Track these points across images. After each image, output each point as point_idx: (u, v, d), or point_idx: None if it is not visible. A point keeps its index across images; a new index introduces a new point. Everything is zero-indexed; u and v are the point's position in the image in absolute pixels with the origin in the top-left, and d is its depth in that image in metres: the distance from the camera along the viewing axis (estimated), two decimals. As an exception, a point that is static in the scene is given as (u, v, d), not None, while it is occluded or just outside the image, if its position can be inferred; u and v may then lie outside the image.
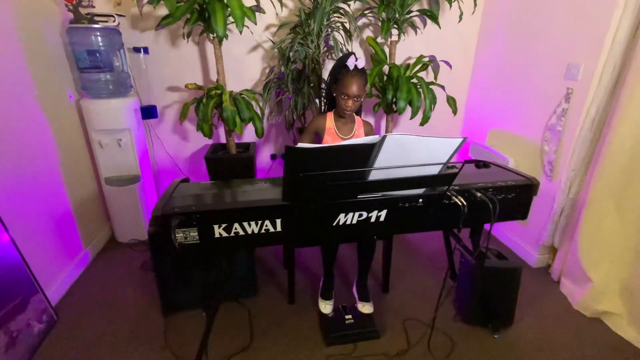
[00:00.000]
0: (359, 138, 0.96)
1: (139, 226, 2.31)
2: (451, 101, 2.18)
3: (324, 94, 2.16)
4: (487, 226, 1.32)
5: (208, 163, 2.18)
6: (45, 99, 1.82)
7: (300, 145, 0.88)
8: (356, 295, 1.77)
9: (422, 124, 2.12)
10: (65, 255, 1.94)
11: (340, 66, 1.53)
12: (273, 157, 2.66)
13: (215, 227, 1.14)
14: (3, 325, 1.41)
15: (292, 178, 0.98)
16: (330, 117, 1.63)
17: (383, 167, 1.01)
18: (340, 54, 2.08)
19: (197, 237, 1.14)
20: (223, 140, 2.46)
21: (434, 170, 1.09)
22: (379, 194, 1.19)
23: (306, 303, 1.83)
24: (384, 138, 0.94)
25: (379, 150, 0.97)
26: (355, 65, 1.50)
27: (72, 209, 2.02)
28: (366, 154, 0.97)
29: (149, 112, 2.30)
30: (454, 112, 2.19)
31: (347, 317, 1.66)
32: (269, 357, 1.52)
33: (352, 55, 1.50)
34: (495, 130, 2.42)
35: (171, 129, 2.47)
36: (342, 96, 1.51)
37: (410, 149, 1.00)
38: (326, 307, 1.72)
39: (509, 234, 2.34)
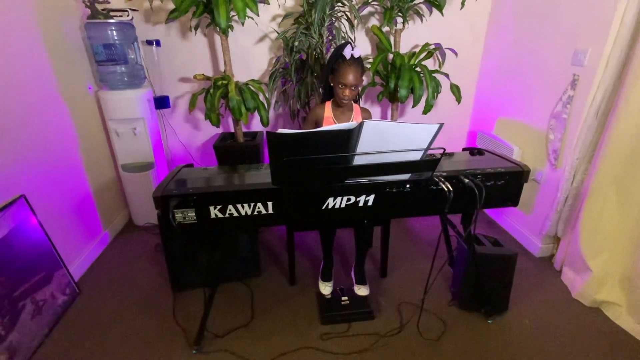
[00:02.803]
0: (342, 124, 1.01)
1: (153, 210, 2.39)
2: (455, 89, 2.17)
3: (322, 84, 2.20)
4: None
5: (217, 151, 2.28)
6: (66, 91, 1.97)
7: (281, 130, 0.95)
8: (353, 279, 1.84)
9: (424, 112, 2.14)
10: (87, 236, 2.11)
11: (337, 56, 1.57)
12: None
13: (211, 208, 1.23)
14: (30, 295, 1.58)
15: (277, 163, 1.05)
16: (328, 106, 1.68)
17: (363, 152, 1.06)
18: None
19: (195, 218, 1.23)
20: (232, 129, 2.56)
21: (416, 156, 1.13)
22: (366, 179, 1.24)
23: (306, 284, 1.92)
24: (361, 124, 0.99)
25: (359, 136, 1.02)
26: (352, 55, 1.53)
27: (92, 193, 2.18)
28: (346, 139, 1.02)
29: (161, 102, 2.42)
30: (458, 100, 2.18)
31: (343, 298, 1.74)
32: (267, 332, 1.63)
33: (348, 45, 1.54)
34: (503, 118, 2.39)
35: (183, 119, 2.58)
36: (340, 86, 1.56)
37: (390, 136, 1.04)
38: (325, 288, 1.80)
39: (513, 223, 2.33)
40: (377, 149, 1.07)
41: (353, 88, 1.53)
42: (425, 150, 1.11)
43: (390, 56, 2.22)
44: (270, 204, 1.25)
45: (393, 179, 1.25)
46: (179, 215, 1.22)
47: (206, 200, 1.21)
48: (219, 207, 1.23)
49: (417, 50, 2.28)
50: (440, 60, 2.26)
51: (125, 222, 2.56)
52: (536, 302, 1.78)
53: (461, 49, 2.39)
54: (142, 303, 1.81)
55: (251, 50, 2.40)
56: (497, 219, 2.51)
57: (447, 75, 2.20)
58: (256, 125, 2.62)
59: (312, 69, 2.15)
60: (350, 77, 1.50)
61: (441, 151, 1.11)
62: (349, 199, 1.27)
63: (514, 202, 1.41)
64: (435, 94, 2.10)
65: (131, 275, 2.02)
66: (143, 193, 2.39)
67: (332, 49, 2.26)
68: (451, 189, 1.25)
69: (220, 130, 2.62)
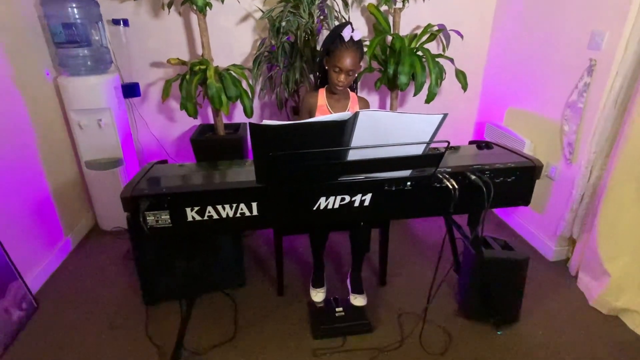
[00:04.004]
0: (334, 114, 1.01)
1: (122, 213, 2.36)
2: (461, 76, 2.19)
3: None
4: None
5: (194, 145, 2.27)
6: (19, 77, 1.92)
7: (265, 122, 0.94)
8: (349, 287, 1.84)
9: (427, 101, 2.15)
10: (46, 243, 2.08)
11: (334, 37, 1.56)
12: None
13: (188, 210, 1.21)
14: (-20, 311, 1.55)
15: (262, 159, 1.04)
16: (322, 93, 1.68)
17: (359, 146, 1.06)
18: (336, 24, 2.11)
19: (169, 221, 1.22)
20: (212, 120, 2.54)
21: (418, 150, 1.14)
22: (362, 176, 1.24)
23: (296, 294, 1.92)
24: (356, 114, 0.99)
25: (354, 128, 1.02)
26: (351, 37, 1.53)
27: (52, 195, 2.15)
28: (339, 131, 1.02)
29: (130, 90, 2.39)
30: (464, 88, 2.20)
31: (337, 309, 1.74)
32: (253, 348, 1.62)
33: (349, 26, 1.53)
34: (514, 109, 2.42)
35: (156, 109, 2.56)
36: (335, 69, 1.55)
37: (388, 127, 1.04)
38: (317, 294, 1.80)
39: (525, 224, 2.36)
40: (374, 142, 1.08)
41: (349, 74, 1.53)
42: (428, 143, 1.11)
43: (389, 38, 2.22)
44: (254, 204, 1.24)
45: (392, 176, 1.25)
46: (150, 219, 1.21)
47: (182, 201, 1.20)
48: (196, 208, 1.22)
49: (418, 32, 2.29)
50: (445, 43, 2.27)
51: (90, 226, 2.53)
52: (550, 310, 1.81)
53: (467, 31, 2.40)
54: (109, 318, 1.79)
55: (232, 31, 2.39)
56: (507, 219, 2.54)
57: (451, 60, 2.21)
58: (238, 116, 2.60)
59: (301, 53, 2.15)
60: (347, 61, 1.50)
61: (445, 144, 1.12)
62: (343, 199, 1.27)
63: (526, 200, 1.42)
64: (439, 81, 2.12)
65: (97, 287, 1.99)
66: (110, 193, 2.35)
67: (324, 30, 2.26)
68: (456, 186, 1.26)
69: (198, 122, 2.60)
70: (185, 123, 2.62)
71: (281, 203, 1.25)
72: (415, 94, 2.11)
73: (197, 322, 1.73)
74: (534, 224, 2.30)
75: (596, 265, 1.82)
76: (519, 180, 1.38)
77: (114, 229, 2.46)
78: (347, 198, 1.27)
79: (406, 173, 1.26)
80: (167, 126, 2.62)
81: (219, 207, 1.23)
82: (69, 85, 2.11)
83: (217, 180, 1.30)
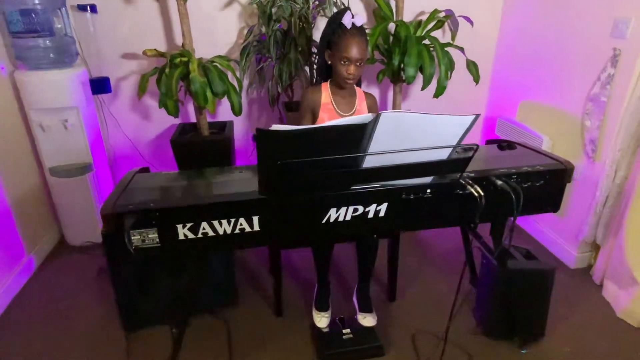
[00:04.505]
0: (353, 117, 0.96)
1: (93, 225, 2.35)
2: (472, 67, 2.18)
3: (315, 62, 2.15)
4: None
5: (175, 147, 2.20)
6: (-30, 72, 1.82)
7: (275, 127, 0.89)
8: (356, 305, 1.81)
9: (436, 95, 2.13)
10: (6, 263, 1.98)
11: (334, 26, 1.52)
12: (255, 138, 2.66)
13: (179, 227, 1.16)
14: None
15: (269, 167, 0.99)
16: (326, 89, 1.63)
17: (379, 152, 1.02)
18: (335, 10, 2.06)
19: (158, 240, 1.16)
20: (193, 118, 2.47)
21: (442, 154, 1.10)
22: (378, 184, 1.20)
23: (296, 315, 1.87)
24: (378, 116, 0.95)
25: (373, 131, 0.98)
26: (353, 23, 1.49)
27: (11, 207, 2.05)
28: (358, 136, 0.98)
29: (100, 86, 2.31)
30: (476, 80, 2.19)
31: (344, 331, 1.70)
32: (251, 379, 1.57)
33: (348, 11, 1.49)
34: (527, 102, 2.42)
35: (129, 106, 2.48)
36: (342, 61, 1.51)
37: (412, 130, 1.01)
38: (322, 319, 1.76)
39: (543, 229, 2.36)
40: (395, 146, 1.04)
41: (359, 64, 1.49)
42: (454, 147, 1.08)
43: (393, 26, 2.19)
44: (255, 218, 1.19)
45: (411, 183, 1.22)
46: (136, 238, 1.15)
47: (172, 217, 1.14)
48: (189, 225, 1.16)
49: (422, 18, 2.27)
50: (453, 30, 2.25)
51: (56, 241, 2.44)
52: (575, 324, 1.81)
53: (473, 17, 2.38)
54: (83, 348, 1.71)
55: (215, 17, 2.33)
56: (522, 222, 2.54)
57: (462, 49, 2.19)
58: (223, 114, 2.54)
59: (296, 42, 2.10)
60: (354, 50, 1.46)
61: (474, 147, 1.09)
62: (355, 209, 1.23)
63: (555, 207, 1.41)
64: (449, 73, 2.10)
65: (67, 312, 1.91)
66: (79, 204, 2.28)
67: (319, 17, 2.22)
68: (482, 193, 1.23)
69: (176, 121, 2.51)
70: (163, 122, 2.55)
71: (286, 217, 1.20)
72: (423, 88, 2.08)
73: (184, 349, 1.66)
74: (552, 229, 2.30)
75: (624, 273, 1.83)
76: (548, 185, 1.36)
77: (83, 243, 2.38)
78: (361, 209, 1.23)
79: (427, 179, 1.23)
80: (142, 126, 2.54)
81: (215, 223, 1.17)
82: (28, 81, 2.03)
83: (211, 192, 1.24)
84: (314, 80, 2.20)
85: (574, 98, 2.06)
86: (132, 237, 1.14)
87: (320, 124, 1.58)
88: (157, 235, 1.15)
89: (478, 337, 1.74)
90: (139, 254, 1.15)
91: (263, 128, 0.89)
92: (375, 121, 0.96)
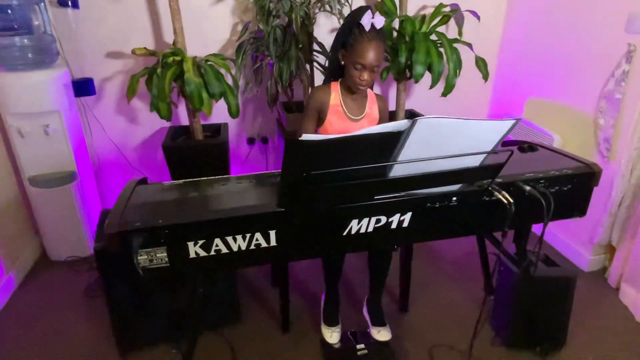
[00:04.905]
0: (380, 125, 0.93)
1: (78, 238, 2.28)
2: (481, 63, 2.17)
3: (325, 61, 2.11)
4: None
5: (167, 153, 2.14)
6: (-59, 75, 1.73)
7: (305, 137, 0.85)
8: (368, 319, 1.78)
9: (444, 94, 2.12)
10: (-17, 282, 1.89)
11: (351, 26, 1.48)
12: (251, 141, 2.61)
13: (190, 244, 1.11)
14: None
15: (295, 180, 0.95)
16: (335, 89, 1.59)
17: (412, 159, 0.99)
18: (337, 6, 2.03)
19: (167, 259, 1.11)
20: (184, 121, 2.41)
21: (475, 161, 1.08)
22: (403, 193, 1.17)
23: (304, 330, 1.84)
24: (414, 122, 0.92)
25: (407, 138, 0.95)
26: (373, 25, 1.45)
27: (-12, 221, 1.96)
28: (391, 144, 0.94)
29: (83, 88, 2.26)
30: (485, 77, 2.18)
31: (359, 346, 1.67)
32: (262, 403, 1.53)
33: (368, 11, 1.44)
34: (535, 99, 2.43)
35: (114, 110, 2.42)
36: (356, 67, 1.46)
37: (447, 136, 0.98)
38: (332, 335, 1.73)
39: (554, 231, 2.38)
40: (426, 153, 1.01)
41: (374, 70, 1.45)
42: (489, 153, 1.06)
43: (397, 21, 2.17)
44: (272, 233, 1.15)
45: (437, 191, 1.19)
46: (143, 257, 1.09)
47: (183, 234, 1.09)
48: (201, 242, 1.11)
49: (426, 13, 2.25)
50: (460, 25, 2.24)
51: (38, 257, 2.36)
52: (595, 330, 1.82)
53: (477, 10, 2.38)
54: (75, 374, 1.65)
55: (208, 13, 2.29)
56: (534, 226, 2.54)
57: (470, 45, 2.18)
58: (217, 115, 2.47)
59: (297, 39, 2.06)
60: (370, 56, 1.42)
61: (508, 153, 1.07)
62: (378, 220, 1.20)
63: (582, 211, 1.42)
64: (458, 71, 2.09)
65: (53, 335, 1.84)
66: (62, 215, 2.22)
67: (320, 12, 2.18)
68: (512, 200, 1.21)
69: (167, 124, 2.44)
70: (151, 126, 2.50)
71: (306, 230, 1.17)
72: (431, 86, 2.07)
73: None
74: (564, 231, 2.31)
75: (643, 276, 1.85)
76: (575, 189, 1.36)
77: (67, 258, 2.29)
78: (384, 219, 1.21)
79: (454, 187, 1.20)
80: (129, 130, 2.48)
81: (229, 239, 1.13)
82: (4, 83, 1.97)
83: (223, 206, 1.19)
84: (313, 79, 2.17)
85: (585, 95, 2.07)
86: (139, 257, 1.08)
87: (329, 128, 1.57)
88: (166, 254, 1.10)
89: (497, 348, 1.73)
90: (147, 275, 1.10)
91: (294, 139, 0.85)
92: (410, 128, 0.93)
